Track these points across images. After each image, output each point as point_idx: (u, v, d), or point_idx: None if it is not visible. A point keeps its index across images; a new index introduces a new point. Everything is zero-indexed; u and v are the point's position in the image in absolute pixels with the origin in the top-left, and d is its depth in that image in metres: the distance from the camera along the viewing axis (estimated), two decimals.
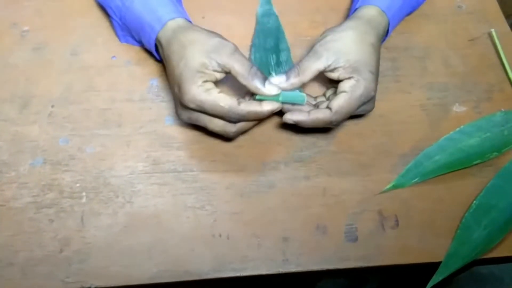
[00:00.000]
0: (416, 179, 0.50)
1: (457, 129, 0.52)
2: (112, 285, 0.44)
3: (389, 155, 0.52)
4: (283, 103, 0.47)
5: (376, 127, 0.53)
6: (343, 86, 0.48)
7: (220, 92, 0.45)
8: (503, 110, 0.54)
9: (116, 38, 0.58)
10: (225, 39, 0.48)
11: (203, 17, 0.60)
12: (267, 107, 0.46)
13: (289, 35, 0.59)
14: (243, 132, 0.49)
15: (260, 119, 0.48)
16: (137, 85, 0.55)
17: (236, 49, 0.47)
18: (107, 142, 0.51)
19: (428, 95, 0.56)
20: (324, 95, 0.52)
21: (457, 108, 0.55)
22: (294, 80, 0.47)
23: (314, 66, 0.48)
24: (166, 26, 0.49)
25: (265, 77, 0.46)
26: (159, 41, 0.50)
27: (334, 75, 0.48)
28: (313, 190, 0.49)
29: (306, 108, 0.48)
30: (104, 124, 0.52)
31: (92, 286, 0.43)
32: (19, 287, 0.43)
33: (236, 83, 0.47)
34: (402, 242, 0.47)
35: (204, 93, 0.45)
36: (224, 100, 0.45)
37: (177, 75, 0.46)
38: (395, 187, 0.49)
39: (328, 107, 0.47)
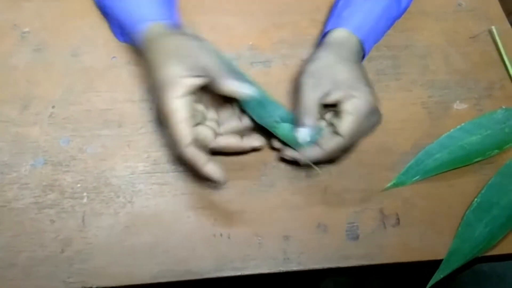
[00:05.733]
0: (417, 177, 0.50)
1: (458, 126, 0.52)
2: (114, 285, 0.44)
3: (390, 153, 0.52)
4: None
5: None
6: (345, 107, 0.45)
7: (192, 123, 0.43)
8: (504, 107, 0.54)
9: (116, 39, 0.58)
10: (204, 41, 0.47)
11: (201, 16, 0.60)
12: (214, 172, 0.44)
13: (290, 34, 0.59)
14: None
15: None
16: (137, 86, 0.55)
17: (214, 52, 0.45)
18: (108, 143, 0.51)
19: (429, 93, 0.56)
20: (323, 118, 0.49)
21: (458, 106, 0.55)
22: (307, 123, 0.46)
23: (314, 98, 0.46)
24: (148, 28, 0.48)
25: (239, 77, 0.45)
26: (141, 41, 0.49)
27: (331, 99, 0.46)
28: (314, 188, 0.49)
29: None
30: (105, 125, 0.52)
31: (94, 286, 0.43)
32: None
33: None
34: (403, 240, 0.47)
35: (177, 104, 0.42)
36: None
37: (159, 79, 0.44)
38: (396, 185, 0.49)
39: (336, 133, 0.45)
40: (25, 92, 0.54)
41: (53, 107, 0.53)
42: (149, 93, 0.52)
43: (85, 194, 0.48)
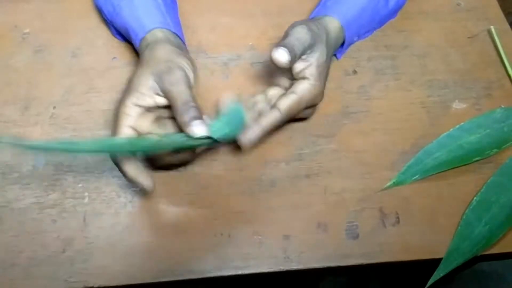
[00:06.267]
0: (417, 176, 0.50)
1: (457, 126, 0.52)
2: (115, 284, 0.44)
3: (390, 153, 0.52)
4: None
5: (376, 125, 0.54)
6: (295, 87, 0.47)
7: (132, 128, 0.44)
8: (502, 106, 0.54)
9: (116, 40, 0.58)
10: (180, 64, 0.45)
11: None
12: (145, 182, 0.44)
13: None
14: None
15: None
16: None
17: (181, 79, 0.44)
18: None
19: (428, 92, 0.56)
20: (264, 94, 0.50)
21: (457, 105, 0.55)
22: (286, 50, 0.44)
23: (303, 41, 0.46)
24: (146, 36, 0.49)
25: (198, 116, 0.42)
26: (140, 47, 0.50)
27: (297, 66, 0.47)
28: (314, 188, 0.49)
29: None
30: (105, 125, 0.52)
31: (95, 286, 0.44)
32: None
33: None
34: (403, 239, 0.47)
35: (126, 113, 0.44)
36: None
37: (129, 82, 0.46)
38: (395, 184, 0.50)
39: (275, 108, 0.46)
40: (26, 93, 0.54)
41: (54, 107, 0.53)
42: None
43: (86, 194, 0.48)
